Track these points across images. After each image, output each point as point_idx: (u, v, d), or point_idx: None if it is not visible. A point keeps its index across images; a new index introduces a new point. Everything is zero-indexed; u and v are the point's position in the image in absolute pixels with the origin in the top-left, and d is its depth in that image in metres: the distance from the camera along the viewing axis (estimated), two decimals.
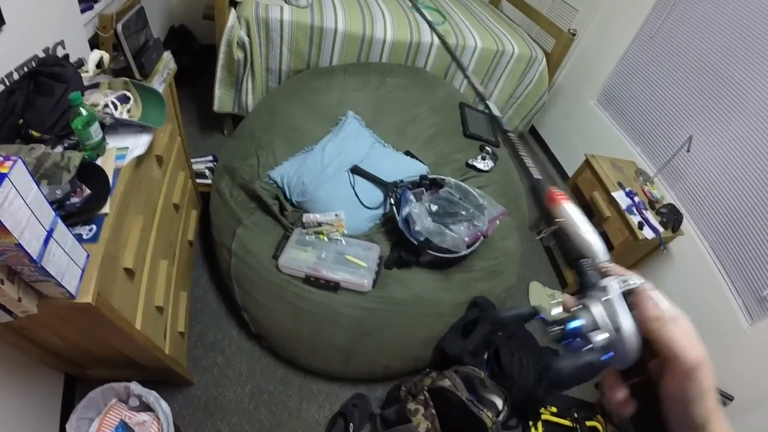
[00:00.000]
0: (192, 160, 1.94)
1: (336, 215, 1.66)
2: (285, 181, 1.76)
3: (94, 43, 1.45)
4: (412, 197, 1.64)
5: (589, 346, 0.39)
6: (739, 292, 1.84)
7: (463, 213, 1.63)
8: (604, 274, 0.44)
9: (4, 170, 0.70)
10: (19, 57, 1.20)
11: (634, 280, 0.41)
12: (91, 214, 1.03)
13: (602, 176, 2.11)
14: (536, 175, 0.53)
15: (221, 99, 2.22)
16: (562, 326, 0.41)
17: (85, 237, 1.00)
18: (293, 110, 1.94)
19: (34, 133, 1.10)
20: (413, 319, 1.59)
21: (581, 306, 0.41)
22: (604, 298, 0.40)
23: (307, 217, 1.66)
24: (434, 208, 1.63)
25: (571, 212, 0.46)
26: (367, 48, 2.21)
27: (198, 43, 2.68)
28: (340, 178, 1.75)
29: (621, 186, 2.08)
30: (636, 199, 2.05)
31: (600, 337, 0.38)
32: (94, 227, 1.02)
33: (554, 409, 1.78)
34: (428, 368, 1.63)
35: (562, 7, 2.93)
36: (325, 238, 1.65)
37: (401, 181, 1.73)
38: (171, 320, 1.52)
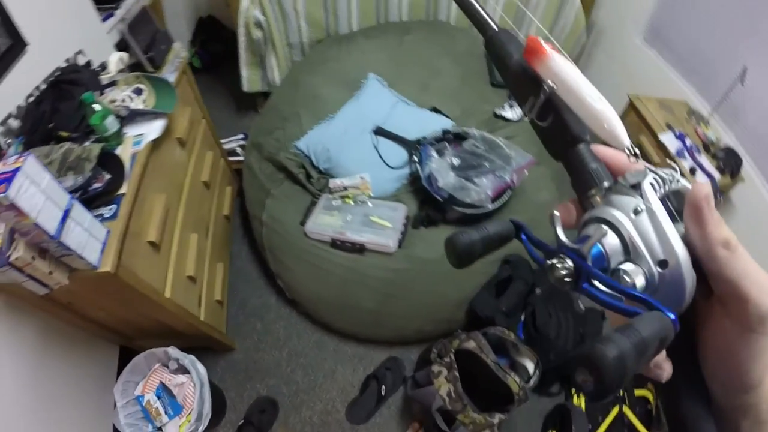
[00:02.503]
0: (223, 140, 2.01)
1: (361, 178, 1.64)
2: (311, 150, 1.77)
3: (123, 47, 1.56)
4: (433, 153, 1.58)
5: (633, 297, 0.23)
6: None
7: (487, 165, 1.54)
8: (619, 168, 0.28)
9: (18, 164, 0.86)
10: (44, 70, 1.37)
11: (677, 176, 0.26)
12: (110, 195, 1.16)
13: (648, 118, 1.88)
14: (494, 25, 0.33)
15: (249, 79, 2.27)
16: (575, 258, 0.25)
17: (106, 216, 1.13)
18: (315, 80, 1.94)
19: (62, 134, 1.24)
20: (442, 279, 1.55)
21: (600, 220, 0.26)
22: (637, 209, 0.25)
23: (333, 182, 1.66)
24: (456, 162, 1.56)
25: (567, 70, 0.28)
26: (384, 8, 2.15)
27: (227, 31, 2.76)
28: (363, 140, 1.73)
29: (670, 128, 1.86)
30: (687, 141, 1.81)
31: (640, 277, 0.24)
32: (114, 206, 1.15)
33: None
34: (461, 330, 1.57)
35: None
36: (351, 202, 1.64)
37: (424, 138, 1.67)
38: (207, 289, 1.60)
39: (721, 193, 1.77)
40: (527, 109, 0.30)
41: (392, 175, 1.69)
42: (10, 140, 1.25)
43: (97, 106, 1.21)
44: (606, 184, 0.27)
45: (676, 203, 0.25)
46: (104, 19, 1.74)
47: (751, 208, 1.82)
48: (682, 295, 0.24)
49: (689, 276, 0.24)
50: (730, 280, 0.24)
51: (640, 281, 0.24)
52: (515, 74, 0.31)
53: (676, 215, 0.25)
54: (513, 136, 1.71)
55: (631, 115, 1.97)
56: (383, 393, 1.61)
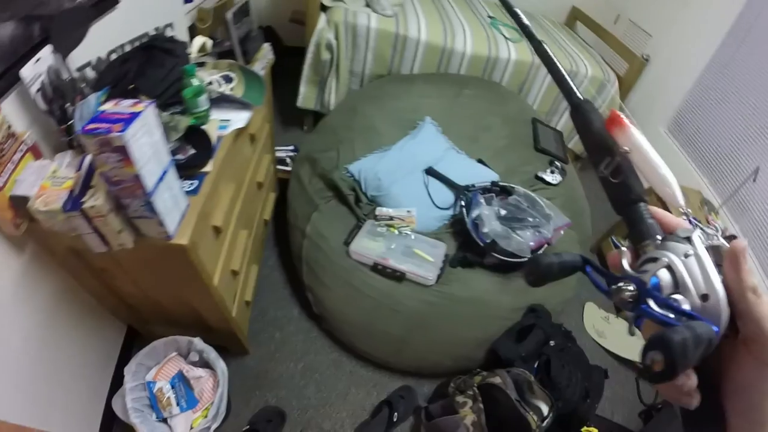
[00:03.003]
0: (275, 148, 2.08)
1: (408, 211, 1.73)
2: (362, 176, 1.85)
3: (192, 33, 1.61)
4: (482, 200, 1.69)
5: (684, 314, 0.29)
6: None
7: (530, 220, 1.67)
8: (669, 226, 0.35)
9: (139, 109, 0.80)
10: (131, 32, 1.37)
11: (718, 235, 0.33)
12: (194, 170, 1.16)
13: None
14: (579, 95, 0.40)
15: (305, 96, 2.37)
16: (638, 283, 0.31)
17: (187, 189, 1.10)
18: (373, 112, 2.05)
19: (143, 97, 1.20)
20: (470, 318, 1.63)
21: (659, 259, 0.32)
22: (687, 254, 0.31)
23: (380, 211, 1.74)
24: (503, 212, 1.68)
25: (640, 140, 0.35)
26: (447, 59, 2.32)
27: (281, 45, 2.87)
28: (415, 177, 1.83)
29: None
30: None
31: (687, 304, 0.30)
32: (196, 182, 1.13)
33: (595, 431, 1.75)
34: (479, 369, 1.65)
35: (636, 31, 2.95)
36: (396, 232, 1.71)
37: (473, 186, 1.79)
38: (241, 287, 1.62)
39: None
40: (602, 168, 0.37)
41: (437, 214, 1.79)
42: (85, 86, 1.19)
43: (195, 81, 1.21)
44: (659, 237, 0.34)
45: (714, 256, 0.31)
46: (185, 2, 1.79)
47: None
48: (717, 323, 0.29)
49: (725, 309, 0.29)
50: (755, 320, 0.29)
51: (686, 308, 0.30)
52: (594, 138, 0.37)
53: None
54: (552, 198, 1.85)
55: (652, 196, 2.17)
56: (395, 419, 1.64)
